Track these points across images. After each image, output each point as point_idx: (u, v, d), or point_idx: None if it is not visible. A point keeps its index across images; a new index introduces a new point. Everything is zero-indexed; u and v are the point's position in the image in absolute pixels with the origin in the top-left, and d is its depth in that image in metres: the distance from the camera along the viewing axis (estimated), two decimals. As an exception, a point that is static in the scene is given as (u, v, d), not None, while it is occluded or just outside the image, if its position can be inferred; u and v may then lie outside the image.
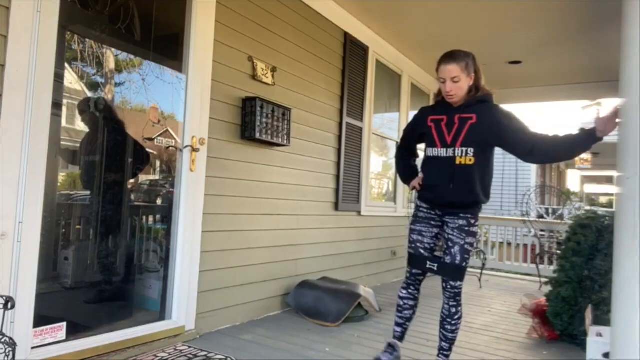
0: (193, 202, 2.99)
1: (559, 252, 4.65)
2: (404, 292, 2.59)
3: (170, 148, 3.41)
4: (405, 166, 2.78)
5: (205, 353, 2.68)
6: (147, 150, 3.48)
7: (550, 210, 9.18)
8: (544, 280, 4.39)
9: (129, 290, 3.29)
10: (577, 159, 13.47)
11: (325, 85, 4.31)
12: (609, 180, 18.89)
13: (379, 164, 6.05)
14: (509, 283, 6.00)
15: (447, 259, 2.40)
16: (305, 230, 4.07)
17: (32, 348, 2.23)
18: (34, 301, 2.20)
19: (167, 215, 3.11)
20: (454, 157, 2.35)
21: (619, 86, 1.99)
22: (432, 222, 2.50)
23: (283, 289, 3.80)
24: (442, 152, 2.39)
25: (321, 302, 3.56)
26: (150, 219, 3.72)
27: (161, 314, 2.97)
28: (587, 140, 2.20)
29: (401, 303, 2.59)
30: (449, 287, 2.44)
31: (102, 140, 3.27)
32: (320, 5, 4.14)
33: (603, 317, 2.84)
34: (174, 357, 2.60)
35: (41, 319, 2.29)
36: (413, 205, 5.76)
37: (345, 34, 4.56)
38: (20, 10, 2.10)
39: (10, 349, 1.74)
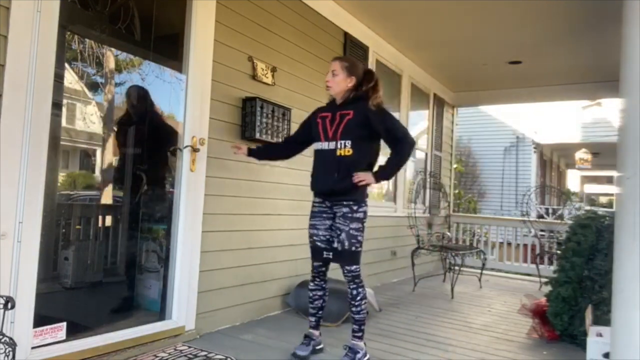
0: (193, 202, 2.99)
1: (559, 252, 4.64)
2: (312, 284, 2.86)
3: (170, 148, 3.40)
4: (274, 144, 3.30)
5: (205, 353, 2.68)
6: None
7: (550, 210, 9.17)
8: (544, 280, 4.39)
9: (128, 290, 3.29)
10: (577, 158, 13.48)
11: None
12: (609, 180, 18.89)
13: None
14: (509, 283, 6.00)
15: (338, 247, 2.67)
16: (306, 230, 4.05)
17: (32, 348, 2.23)
18: (34, 301, 2.20)
19: (167, 215, 3.11)
20: (335, 150, 2.64)
21: (619, 86, 1.99)
22: (324, 215, 2.78)
23: (283, 289, 3.80)
24: (324, 145, 2.69)
25: (321, 302, 3.55)
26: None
27: (161, 314, 2.97)
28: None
29: (310, 295, 2.86)
30: (345, 271, 2.70)
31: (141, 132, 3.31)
32: (320, 5, 4.14)
33: (603, 317, 2.84)
34: (174, 357, 2.60)
35: (41, 319, 2.29)
36: (413, 205, 5.72)
37: (345, 34, 4.55)
38: (20, 10, 2.10)
39: (10, 349, 1.74)
